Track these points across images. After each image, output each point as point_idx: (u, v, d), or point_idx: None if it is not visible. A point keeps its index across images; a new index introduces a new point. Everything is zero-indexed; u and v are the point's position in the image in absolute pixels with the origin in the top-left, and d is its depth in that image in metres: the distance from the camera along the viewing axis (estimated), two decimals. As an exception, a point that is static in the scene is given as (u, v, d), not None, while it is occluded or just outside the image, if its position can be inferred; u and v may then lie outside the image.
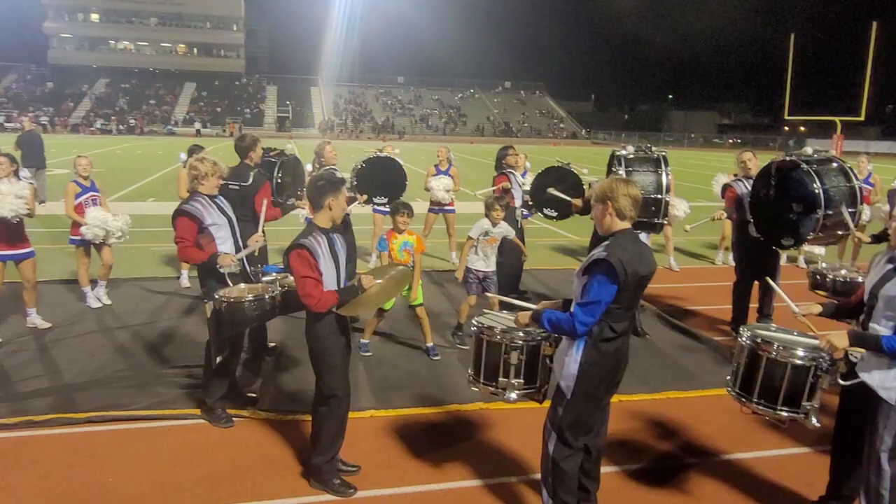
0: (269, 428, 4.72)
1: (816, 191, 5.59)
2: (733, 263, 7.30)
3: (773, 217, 6.11)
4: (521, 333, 3.56)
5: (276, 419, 4.83)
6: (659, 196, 6.15)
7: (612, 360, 3.32)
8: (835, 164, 5.92)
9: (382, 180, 7.85)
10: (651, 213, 6.11)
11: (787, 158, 6.08)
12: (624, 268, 3.12)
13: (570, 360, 3.30)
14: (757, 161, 6.93)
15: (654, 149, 6.55)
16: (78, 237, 7.25)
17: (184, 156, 8.24)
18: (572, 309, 3.21)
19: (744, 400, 3.61)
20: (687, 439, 4.78)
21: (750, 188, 6.54)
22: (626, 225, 3.33)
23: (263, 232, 5.37)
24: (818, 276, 5.43)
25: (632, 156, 6.37)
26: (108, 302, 7.53)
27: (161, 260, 9.75)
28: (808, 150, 6.27)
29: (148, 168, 25.24)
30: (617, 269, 3.11)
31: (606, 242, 3.28)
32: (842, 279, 5.42)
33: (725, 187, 7.00)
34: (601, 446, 3.62)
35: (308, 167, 8.10)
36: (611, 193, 3.29)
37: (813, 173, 5.68)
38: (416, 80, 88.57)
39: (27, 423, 4.63)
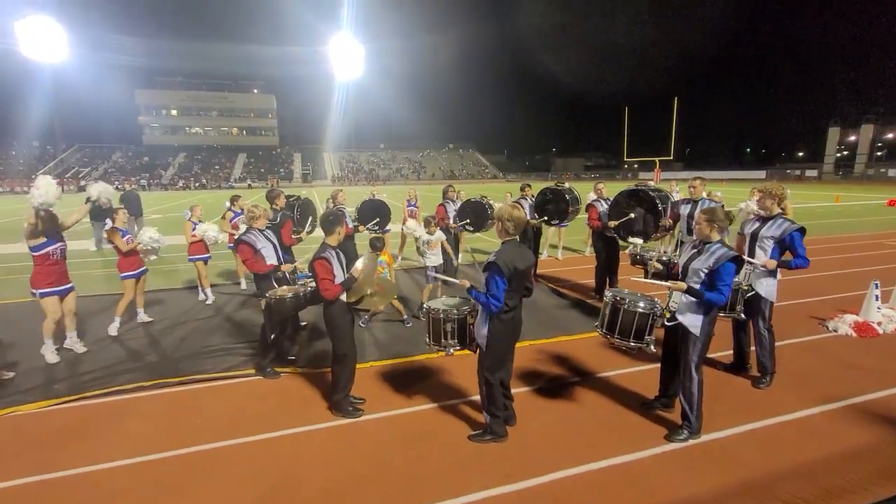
0: (304, 379, 4.65)
1: (660, 208, 5.81)
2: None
3: (626, 223, 6.19)
4: (454, 311, 3.58)
5: (309, 372, 4.76)
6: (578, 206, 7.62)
7: (509, 324, 3.34)
8: (663, 192, 6.11)
9: (375, 213, 7.81)
10: (573, 212, 7.59)
11: (640, 188, 6.17)
12: (507, 265, 3.15)
13: (482, 328, 3.35)
14: (606, 189, 7.09)
15: (567, 184, 7.74)
16: (195, 255, 7.14)
17: (227, 203, 8.02)
18: (488, 297, 3.20)
19: (608, 336, 3.67)
20: (572, 365, 4.83)
21: (607, 205, 6.64)
22: (511, 237, 3.33)
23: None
24: (637, 256, 5.42)
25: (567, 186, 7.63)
26: (213, 297, 7.31)
27: (225, 272, 9.47)
28: (651, 183, 6.49)
29: (216, 211, 24.31)
30: (502, 266, 3.14)
31: (497, 249, 3.30)
32: (650, 259, 5.46)
33: (589, 206, 6.98)
34: (509, 376, 3.64)
35: (323, 205, 8.01)
36: (502, 217, 3.31)
37: (657, 197, 5.88)
38: (393, 144, 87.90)
39: (137, 387, 4.46)
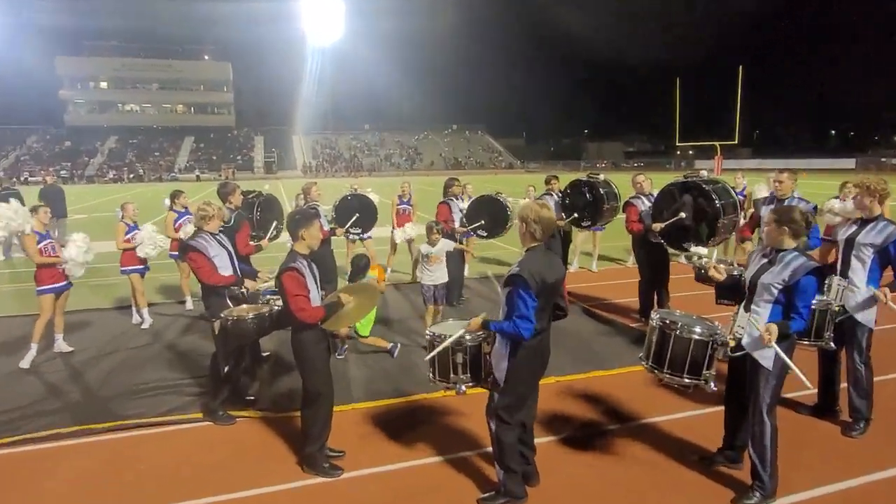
0: (265, 424, 4.63)
1: (718, 205, 5.79)
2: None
3: (675, 226, 6.16)
4: (467, 337, 3.57)
5: (272, 417, 4.74)
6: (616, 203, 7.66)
7: (536, 352, 3.36)
8: (720, 184, 6.10)
9: (357, 213, 7.86)
10: (610, 211, 7.64)
11: (690, 180, 6.16)
12: (534, 277, 3.16)
13: (502, 357, 3.35)
14: (649, 182, 7.11)
15: (602, 176, 7.77)
16: (129, 267, 7.17)
17: (167, 201, 8.09)
18: (514, 320, 3.19)
19: (655, 371, 3.65)
20: (610, 409, 4.81)
21: (650, 204, 6.66)
22: (538, 243, 3.35)
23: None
24: (702, 271, 5.47)
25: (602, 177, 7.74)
26: (151, 320, 7.33)
27: (167, 287, 9.48)
28: (704, 173, 6.46)
29: (156, 210, 24.39)
30: (528, 279, 3.14)
31: (520, 258, 3.32)
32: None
33: (626, 204, 7.03)
34: (532, 419, 3.63)
35: (292, 203, 8.10)
36: (528, 217, 3.31)
37: (712, 191, 5.86)
38: (380, 125, 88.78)
39: (55, 435, 4.45)
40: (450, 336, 3.59)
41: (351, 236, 8.57)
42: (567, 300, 3.65)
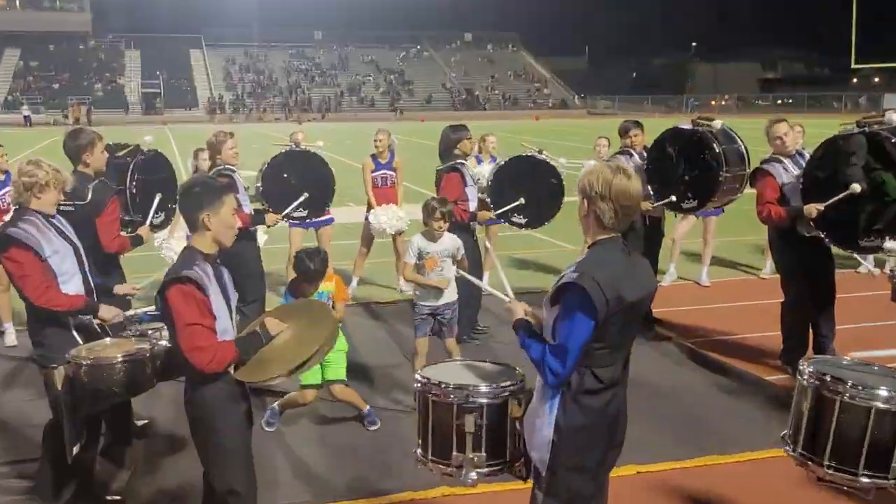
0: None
1: None
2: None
3: (845, 209, 6.17)
4: (483, 388, 3.52)
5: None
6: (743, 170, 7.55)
7: (601, 418, 3.29)
8: None
9: (300, 184, 7.84)
10: (731, 181, 7.45)
11: (870, 130, 6.15)
12: (602, 293, 3.04)
13: (542, 423, 3.28)
14: (795, 133, 7.08)
15: (719, 122, 7.61)
16: None
17: None
18: (546, 347, 3.18)
19: (810, 463, 3.63)
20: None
21: (798, 171, 6.68)
22: (610, 234, 3.29)
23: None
24: None
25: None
26: None
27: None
28: (894, 115, 6.36)
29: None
30: (592, 295, 3.04)
31: (581, 258, 3.29)
32: None
33: (756, 173, 7.04)
34: None
35: (189, 165, 8.08)
36: (591, 189, 3.22)
37: None
38: (341, 35, 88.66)
39: None
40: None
41: (291, 223, 8.59)
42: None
